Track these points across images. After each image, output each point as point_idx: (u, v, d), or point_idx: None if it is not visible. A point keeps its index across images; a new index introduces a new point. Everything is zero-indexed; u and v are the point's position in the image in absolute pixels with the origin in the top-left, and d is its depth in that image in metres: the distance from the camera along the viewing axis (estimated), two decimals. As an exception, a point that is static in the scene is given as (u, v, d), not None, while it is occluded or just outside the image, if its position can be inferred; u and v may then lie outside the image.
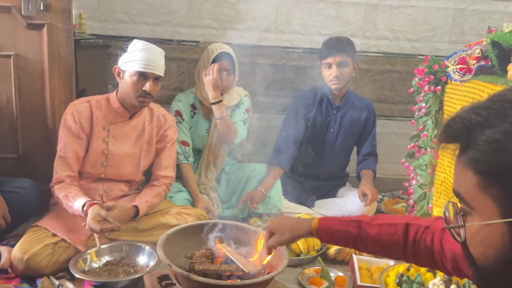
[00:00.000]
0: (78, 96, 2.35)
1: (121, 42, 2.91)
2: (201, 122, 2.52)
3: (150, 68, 1.96)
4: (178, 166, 2.41)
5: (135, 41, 2.03)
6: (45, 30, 2.13)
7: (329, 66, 2.48)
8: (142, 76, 1.97)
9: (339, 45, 2.47)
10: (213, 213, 2.33)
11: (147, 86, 1.97)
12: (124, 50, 2.01)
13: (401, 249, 1.13)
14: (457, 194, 0.73)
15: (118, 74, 2.03)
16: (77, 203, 1.87)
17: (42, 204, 2.06)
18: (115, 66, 2.04)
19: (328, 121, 2.61)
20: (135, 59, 1.95)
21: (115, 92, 2.09)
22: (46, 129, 2.24)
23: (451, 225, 0.74)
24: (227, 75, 2.40)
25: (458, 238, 0.73)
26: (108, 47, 2.87)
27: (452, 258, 1.02)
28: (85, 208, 1.83)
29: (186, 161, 2.46)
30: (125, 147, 2.10)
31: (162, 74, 2.02)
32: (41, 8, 2.09)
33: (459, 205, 0.74)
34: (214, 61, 2.38)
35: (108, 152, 2.06)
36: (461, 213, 0.73)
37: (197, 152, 2.57)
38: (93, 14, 2.89)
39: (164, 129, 2.19)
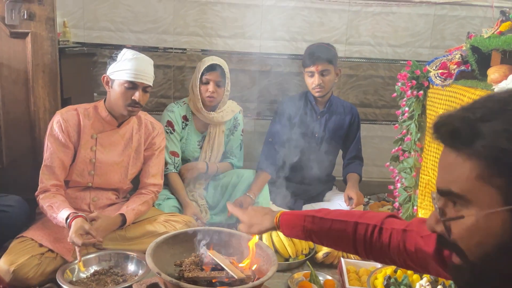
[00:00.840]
0: (63, 105, 2.33)
1: (106, 50, 2.92)
2: (192, 134, 2.53)
3: (139, 78, 1.96)
4: (167, 176, 2.41)
5: (124, 50, 2.03)
6: (29, 38, 2.12)
7: (312, 74, 2.52)
8: (132, 85, 1.97)
9: (320, 53, 2.49)
10: (202, 220, 2.33)
11: (137, 95, 1.97)
12: (113, 59, 2.01)
13: (351, 245, 1.19)
14: (446, 192, 0.74)
15: (107, 83, 2.02)
16: (61, 214, 1.84)
17: (27, 214, 2.03)
18: (104, 75, 2.03)
19: (312, 126, 2.65)
20: (124, 68, 1.95)
21: (103, 100, 2.08)
22: (31, 138, 2.21)
23: (447, 218, 0.75)
24: (218, 87, 2.42)
25: (445, 233, 0.75)
26: (93, 55, 2.86)
27: (416, 255, 1.05)
28: (68, 220, 1.81)
29: (175, 171, 2.46)
30: (113, 155, 2.09)
31: (151, 84, 2.03)
32: (25, 17, 2.08)
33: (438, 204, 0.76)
34: (204, 73, 2.39)
35: (95, 161, 2.05)
36: (444, 210, 0.75)
37: (185, 162, 2.57)
38: (78, 22, 2.87)
39: (152, 136, 2.19)
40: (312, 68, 2.49)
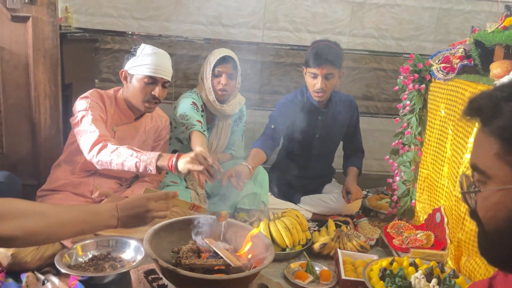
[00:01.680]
0: (64, 90, 2.33)
1: (108, 36, 2.90)
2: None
3: (159, 73, 1.96)
4: (192, 133, 2.20)
5: (143, 45, 2.03)
6: (30, 23, 2.11)
7: (314, 76, 2.40)
8: (152, 80, 1.97)
9: (327, 56, 2.35)
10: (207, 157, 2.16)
11: (157, 90, 1.97)
12: (132, 54, 2.00)
13: None
14: (473, 166, 0.81)
15: (125, 78, 2.02)
16: (151, 154, 1.76)
17: (26, 198, 2.03)
18: (122, 70, 2.03)
19: (313, 126, 2.58)
20: (144, 63, 1.95)
21: (121, 91, 2.07)
22: (31, 123, 2.21)
23: (465, 191, 0.82)
24: (229, 79, 2.39)
25: (471, 204, 0.82)
26: (95, 41, 2.85)
27: None
28: (169, 159, 1.73)
29: (201, 131, 2.22)
30: None
31: (170, 79, 2.03)
32: (26, 1, 2.07)
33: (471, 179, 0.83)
34: (216, 65, 2.36)
35: None
36: (476, 183, 0.81)
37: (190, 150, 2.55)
38: (80, 8, 2.86)
39: (160, 129, 2.22)
40: (316, 71, 2.37)
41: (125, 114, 2.07)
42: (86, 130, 1.89)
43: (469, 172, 0.84)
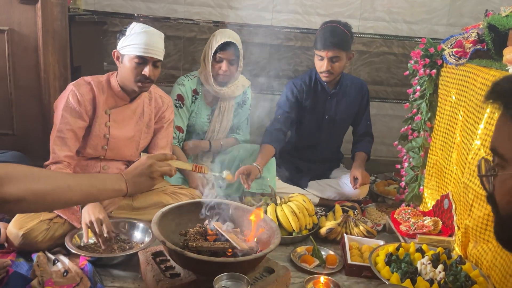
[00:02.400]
0: (73, 73, 2.34)
1: (117, 19, 2.89)
2: (202, 108, 2.52)
3: (149, 52, 1.92)
4: None
5: (133, 24, 1.98)
6: (39, 5, 2.10)
7: (321, 58, 2.41)
8: (142, 60, 1.92)
9: (333, 39, 2.35)
10: (204, 188, 2.29)
11: (147, 70, 1.93)
12: (122, 33, 1.96)
13: None
14: (493, 150, 0.81)
15: (118, 58, 1.99)
16: None
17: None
18: (114, 50, 2.00)
19: (323, 108, 2.58)
20: (134, 43, 1.91)
21: (115, 74, 2.05)
22: (41, 105, 2.23)
23: (483, 174, 0.82)
24: (231, 65, 2.37)
25: (488, 188, 0.82)
26: (103, 23, 2.84)
27: None
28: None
29: (177, 145, 2.45)
30: (126, 130, 2.09)
31: (161, 58, 1.98)
32: (35, -17, 2.06)
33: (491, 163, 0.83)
34: (217, 50, 2.35)
35: (109, 136, 2.05)
36: (494, 168, 0.81)
37: (195, 135, 2.58)
38: (88, -10, 2.84)
39: (162, 110, 2.19)
40: (322, 53, 2.39)
41: (120, 96, 2.04)
42: (51, 141, 1.95)
43: (489, 157, 0.84)
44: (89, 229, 1.80)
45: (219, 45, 2.33)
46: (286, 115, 2.54)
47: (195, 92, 2.49)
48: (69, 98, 1.95)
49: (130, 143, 2.12)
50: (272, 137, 2.49)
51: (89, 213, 1.79)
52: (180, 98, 2.44)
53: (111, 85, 2.03)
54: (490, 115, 1.75)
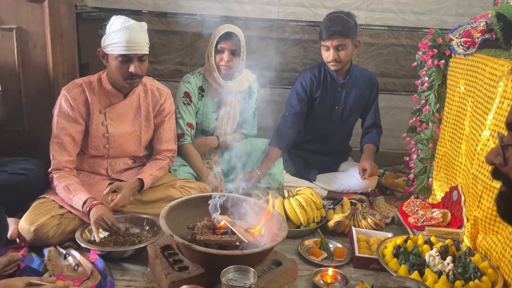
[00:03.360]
0: (81, 70, 2.36)
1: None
2: (208, 105, 2.53)
3: (132, 49, 1.87)
4: (182, 147, 2.44)
5: (112, 19, 1.93)
6: (46, 3, 2.12)
7: (327, 48, 2.43)
8: (126, 58, 1.89)
9: (336, 27, 2.37)
10: (222, 189, 2.33)
11: (132, 68, 1.90)
12: (103, 31, 1.93)
13: None
14: (508, 124, 0.83)
15: (103, 56, 1.97)
16: (78, 198, 1.87)
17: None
18: (99, 49, 1.96)
19: (333, 99, 2.58)
20: (115, 42, 1.87)
21: (105, 72, 2.04)
22: (50, 102, 2.24)
23: (504, 144, 0.83)
24: (232, 56, 2.38)
25: (503, 165, 0.83)
26: (110, 20, 2.85)
27: None
28: (85, 205, 1.85)
29: (190, 142, 2.48)
30: (124, 126, 2.10)
31: (146, 52, 1.94)
32: (42, -19, 2.08)
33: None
34: (219, 41, 2.36)
35: (108, 135, 2.06)
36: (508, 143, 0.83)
37: (202, 132, 2.59)
38: (95, -13, 2.86)
39: (160, 103, 2.17)
40: (327, 43, 2.40)
41: (112, 94, 2.03)
42: (50, 148, 1.98)
43: (504, 132, 0.85)
44: (96, 227, 1.83)
45: (220, 35, 2.35)
46: (296, 113, 2.54)
47: (201, 89, 2.50)
48: (62, 103, 1.97)
49: (131, 138, 2.13)
50: (280, 139, 2.50)
51: (91, 215, 1.82)
52: (187, 95, 2.45)
53: (102, 84, 2.02)
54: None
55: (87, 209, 1.84)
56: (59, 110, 1.98)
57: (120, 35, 1.87)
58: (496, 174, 0.85)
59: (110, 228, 1.83)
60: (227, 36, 2.35)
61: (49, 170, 1.98)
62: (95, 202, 1.86)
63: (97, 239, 1.82)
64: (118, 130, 2.08)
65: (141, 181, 2.04)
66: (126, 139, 2.12)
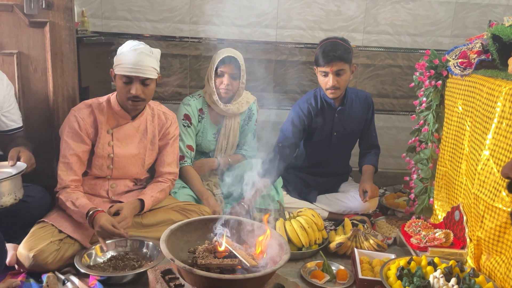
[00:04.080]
0: (81, 93, 2.37)
1: (124, 39, 2.93)
2: (208, 127, 2.54)
3: (134, 72, 1.92)
4: (182, 169, 2.44)
5: (126, 42, 2.00)
6: (47, 28, 2.15)
7: (326, 74, 2.40)
8: (128, 79, 1.94)
9: (335, 53, 2.34)
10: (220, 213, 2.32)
11: (133, 90, 1.94)
12: (115, 52, 2.01)
13: None
14: None
15: (114, 76, 2.02)
16: (82, 209, 1.89)
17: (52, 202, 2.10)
18: (111, 69, 2.03)
19: (331, 125, 2.56)
20: (121, 62, 1.94)
21: (115, 94, 2.08)
22: (50, 127, 2.26)
23: None
24: (232, 79, 2.40)
25: None
26: (111, 44, 2.89)
27: None
28: (89, 214, 1.86)
29: (190, 164, 2.48)
30: (130, 148, 2.11)
31: (151, 76, 1.97)
32: (43, 6, 2.11)
33: None
34: (219, 65, 2.39)
35: (114, 155, 2.07)
36: None
37: (202, 154, 2.59)
38: (96, 12, 2.90)
39: (166, 127, 2.19)
40: (326, 69, 2.37)
41: (120, 115, 2.06)
42: (58, 168, 2.01)
43: None
44: (101, 238, 1.88)
45: (220, 59, 2.37)
46: (290, 145, 2.50)
47: (201, 111, 2.51)
48: (70, 123, 2.00)
49: (135, 161, 2.13)
50: (270, 171, 2.37)
51: (94, 226, 1.85)
52: (187, 117, 2.46)
53: (111, 104, 2.06)
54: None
55: (91, 219, 1.87)
56: (67, 130, 2.00)
57: (128, 57, 1.93)
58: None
59: (113, 235, 1.85)
60: (227, 60, 2.38)
61: (56, 189, 2.00)
62: (97, 210, 1.88)
63: (104, 248, 1.89)
64: (123, 151, 2.09)
65: (141, 202, 2.04)
66: (130, 161, 2.12)
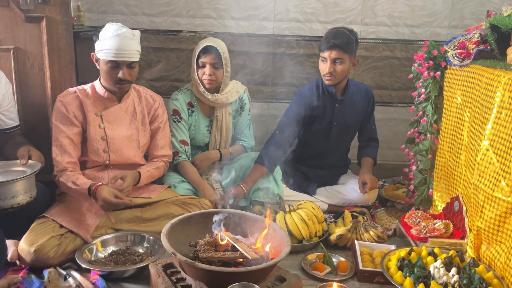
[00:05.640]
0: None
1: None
2: (200, 120, 2.53)
3: (121, 56, 1.97)
4: (179, 164, 2.44)
5: (106, 26, 2.03)
6: (43, 23, 2.13)
7: (325, 60, 2.41)
8: (115, 64, 1.99)
9: (337, 40, 2.35)
10: (219, 205, 2.32)
11: (121, 74, 2.00)
12: (97, 37, 2.03)
13: None
14: None
15: (96, 61, 2.06)
16: (83, 186, 1.93)
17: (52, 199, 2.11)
18: (92, 53, 2.06)
19: (331, 116, 2.57)
20: (106, 48, 1.97)
21: (98, 78, 2.12)
22: (48, 122, 2.25)
23: None
24: (215, 69, 2.38)
25: None
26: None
27: None
28: (92, 190, 1.90)
29: (187, 159, 2.47)
30: (122, 129, 2.14)
31: (135, 59, 2.03)
32: (39, 1, 2.09)
33: None
34: (199, 56, 2.38)
35: (107, 137, 2.09)
36: None
37: (198, 148, 2.59)
38: (91, 6, 2.88)
39: (155, 108, 2.24)
40: (326, 54, 2.39)
41: (107, 98, 2.11)
42: (52, 154, 2.02)
43: None
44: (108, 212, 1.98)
45: (200, 49, 2.37)
46: (288, 133, 2.49)
47: (190, 105, 2.50)
48: (57, 108, 2.04)
49: (129, 142, 2.16)
50: (267, 158, 2.43)
51: (98, 201, 1.91)
52: (176, 112, 2.46)
53: (96, 89, 2.11)
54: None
55: (94, 195, 1.91)
56: (55, 115, 2.04)
57: (112, 42, 1.97)
58: None
59: (117, 206, 1.92)
60: (207, 50, 2.36)
61: (54, 173, 2.02)
62: (97, 184, 1.92)
63: (112, 220, 1.98)
64: (115, 133, 2.12)
65: (138, 173, 2.12)
66: (124, 143, 2.14)
